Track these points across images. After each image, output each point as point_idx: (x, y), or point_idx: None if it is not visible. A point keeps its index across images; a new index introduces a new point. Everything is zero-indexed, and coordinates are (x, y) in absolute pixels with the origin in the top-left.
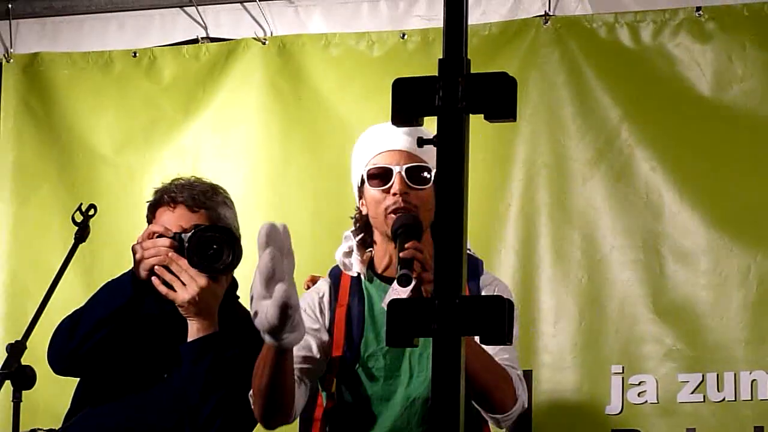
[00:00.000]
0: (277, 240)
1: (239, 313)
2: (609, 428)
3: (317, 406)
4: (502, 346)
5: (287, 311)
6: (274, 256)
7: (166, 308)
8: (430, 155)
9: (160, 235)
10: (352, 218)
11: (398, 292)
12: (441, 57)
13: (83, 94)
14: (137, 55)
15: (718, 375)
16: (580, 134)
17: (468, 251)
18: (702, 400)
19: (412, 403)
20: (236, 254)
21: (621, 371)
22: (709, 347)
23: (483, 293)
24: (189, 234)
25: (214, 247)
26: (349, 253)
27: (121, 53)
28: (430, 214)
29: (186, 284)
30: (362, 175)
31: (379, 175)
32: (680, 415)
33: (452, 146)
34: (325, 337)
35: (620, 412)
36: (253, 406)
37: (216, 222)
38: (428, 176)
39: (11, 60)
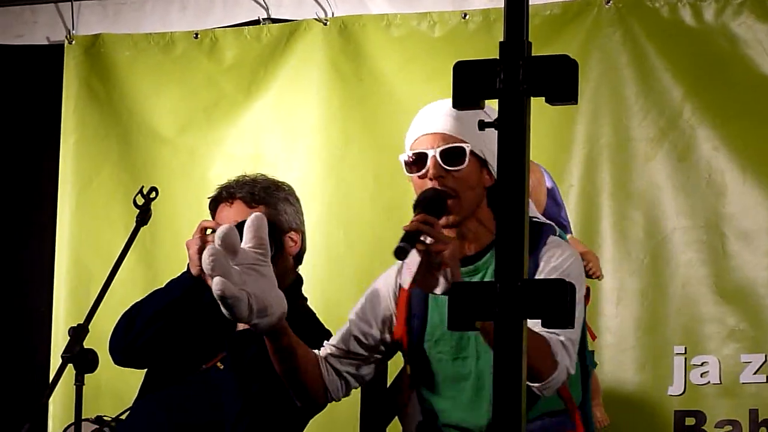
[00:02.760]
0: (225, 239)
1: (298, 308)
2: (671, 409)
3: (405, 375)
4: None
5: (226, 301)
6: (212, 253)
7: None
8: (470, 132)
9: (212, 231)
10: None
11: (409, 266)
12: (502, 38)
13: (144, 75)
14: (198, 36)
15: None
16: (642, 114)
17: (535, 218)
18: (765, 380)
19: (481, 384)
20: (278, 247)
21: (683, 352)
22: None
23: (541, 264)
24: None
25: None
26: None
27: (182, 35)
28: (471, 192)
29: None
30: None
31: (416, 162)
32: (743, 395)
33: (514, 129)
34: (373, 330)
35: (683, 393)
36: None
37: (274, 218)
38: (464, 155)
39: (73, 41)
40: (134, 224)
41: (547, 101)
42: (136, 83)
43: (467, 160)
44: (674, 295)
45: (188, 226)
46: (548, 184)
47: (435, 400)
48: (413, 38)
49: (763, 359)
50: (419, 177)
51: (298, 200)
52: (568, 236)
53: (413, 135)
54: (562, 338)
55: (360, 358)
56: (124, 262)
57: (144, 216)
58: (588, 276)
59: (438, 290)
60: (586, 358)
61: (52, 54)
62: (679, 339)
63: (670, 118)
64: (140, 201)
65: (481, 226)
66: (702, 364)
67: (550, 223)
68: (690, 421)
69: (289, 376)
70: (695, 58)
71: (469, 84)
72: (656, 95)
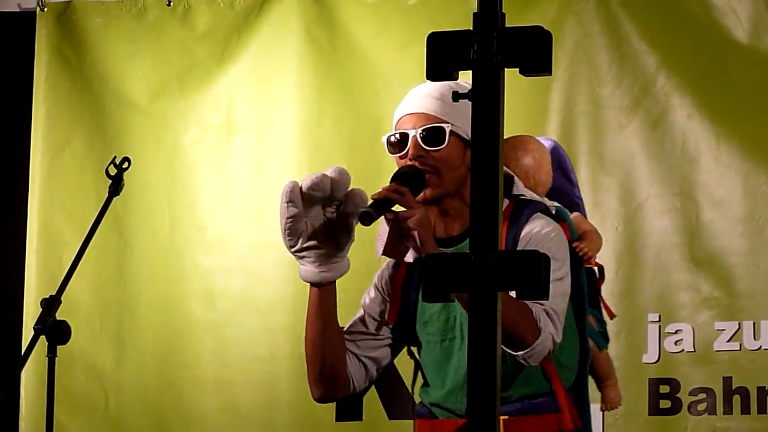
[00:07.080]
0: (293, 197)
1: None
2: (646, 377)
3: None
4: None
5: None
6: (292, 214)
7: None
8: (454, 113)
9: None
10: None
11: (381, 236)
12: (477, 6)
13: (117, 42)
14: (171, 3)
15: (754, 323)
16: (617, 82)
17: (522, 196)
18: (738, 348)
19: (464, 365)
20: None
21: (657, 320)
22: (745, 295)
23: (519, 237)
24: None
25: None
26: None
27: (155, 1)
28: (453, 173)
29: None
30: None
31: (397, 142)
32: (717, 363)
33: (488, 100)
34: (380, 307)
35: (657, 361)
36: (308, 377)
37: None
38: (444, 136)
39: (45, 8)
40: (107, 194)
41: (521, 72)
42: (108, 51)
43: (447, 140)
44: (648, 263)
45: (160, 193)
46: (561, 162)
47: (428, 382)
48: (388, 6)
49: (737, 327)
50: (400, 158)
51: None
52: (573, 215)
53: (397, 115)
54: (546, 307)
55: (370, 336)
56: (96, 231)
57: (116, 186)
58: (579, 257)
59: (408, 258)
60: (585, 339)
61: (24, 21)
62: (653, 307)
63: (644, 85)
64: (113, 171)
65: (465, 206)
66: (676, 332)
67: (540, 200)
68: (664, 389)
69: (326, 347)
70: (669, 25)
71: (443, 55)
72: (630, 63)
